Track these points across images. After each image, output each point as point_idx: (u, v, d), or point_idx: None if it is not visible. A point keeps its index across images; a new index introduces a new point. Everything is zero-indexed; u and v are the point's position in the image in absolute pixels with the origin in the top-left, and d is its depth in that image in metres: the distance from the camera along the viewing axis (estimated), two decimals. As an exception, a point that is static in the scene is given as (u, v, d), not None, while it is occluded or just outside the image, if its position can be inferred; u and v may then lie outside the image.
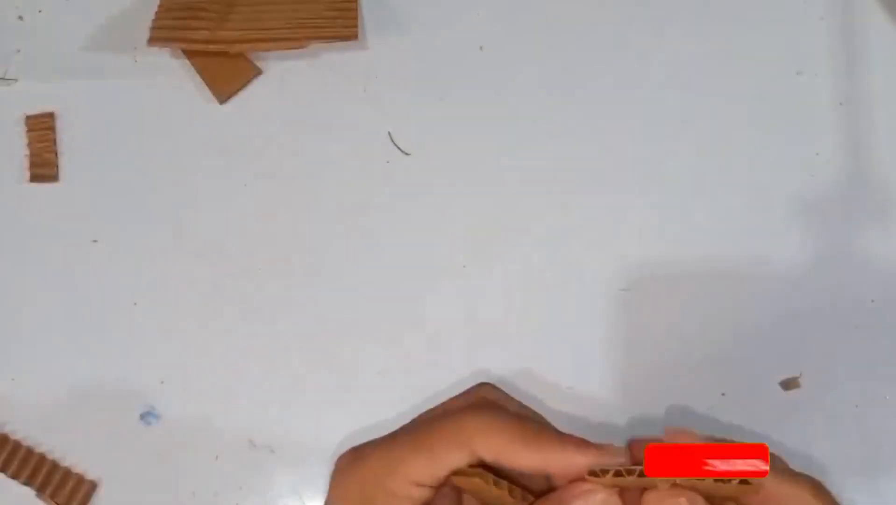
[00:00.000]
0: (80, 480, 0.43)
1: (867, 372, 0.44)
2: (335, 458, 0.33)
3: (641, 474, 0.28)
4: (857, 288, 0.45)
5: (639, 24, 0.48)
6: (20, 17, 0.48)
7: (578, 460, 0.29)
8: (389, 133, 0.46)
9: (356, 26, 0.46)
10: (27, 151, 0.46)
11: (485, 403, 0.32)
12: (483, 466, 0.30)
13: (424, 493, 0.29)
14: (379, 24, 0.48)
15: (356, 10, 0.46)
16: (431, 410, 0.33)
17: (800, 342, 0.44)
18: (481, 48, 0.47)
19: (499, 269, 0.45)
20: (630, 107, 0.47)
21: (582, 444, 0.29)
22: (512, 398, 0.35)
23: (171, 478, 0.43)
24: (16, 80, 0.47)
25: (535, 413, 0.35)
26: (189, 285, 0.45)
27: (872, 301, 0.45)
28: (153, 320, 0.45)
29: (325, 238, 0.45)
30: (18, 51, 0.47)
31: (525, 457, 0.29)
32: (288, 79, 0.47)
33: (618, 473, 0.28)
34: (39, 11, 0.48)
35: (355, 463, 0.30)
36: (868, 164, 0.46)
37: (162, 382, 0.44)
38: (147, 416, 0.44)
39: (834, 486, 0.36)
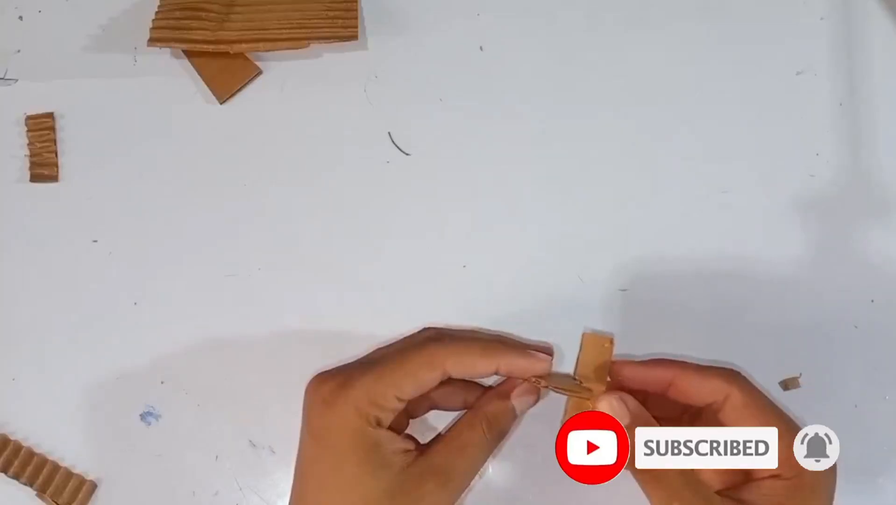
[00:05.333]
0: (81, 480, 0.43)
1: (867, 372, 0.44)
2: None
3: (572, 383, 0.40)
4: (857, 288, 0.45)
5: (639, 25, 0.48)
6: (20, 18, 0.48)
7: (518, 362, 0.39)
8: (389, 133, 0.46)
9: (356, 26, 0.46)
10: (27, 151, 0.46)
11: (442, 333, 0.41)
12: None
13: (403, 405, 0.37)
14: (379, 24, 0.48)
15: (356, 10, 0.46)
16: (386, 346, 0.41)
17: (800, 342, 0.44)
18: (481, 48, 0.47)
19: (499, 269, 0.45)
20: (630, 107, 0.47)
21: (520, 351, 0.39)
22: (454, 329, 0.43)
23: (171, 478, 0.43)
24: (16, 80, 0.47)
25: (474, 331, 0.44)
26: (189, 285, 0.45)
27: (872, 301, 0.45)
28: (153, 320, 0.45)
29: (325, 238, 0.45)
30: (18, 51, 0.47)
31: (482, 365, 0.38)
32: (288, 79, 0.47)
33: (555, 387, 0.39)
34: (39, 11, 0.48)
35: (343, 389, 0.37)
36: (868, 164, 0.46)
37: (162, 382, 0.44)
38: (147, 416, 0.44)
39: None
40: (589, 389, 0.40)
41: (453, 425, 0.39)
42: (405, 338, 0.42)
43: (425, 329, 0.42)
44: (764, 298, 0.45)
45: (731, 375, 0.38)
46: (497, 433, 0.39)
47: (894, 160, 0.46)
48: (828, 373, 0.44)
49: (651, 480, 0.36)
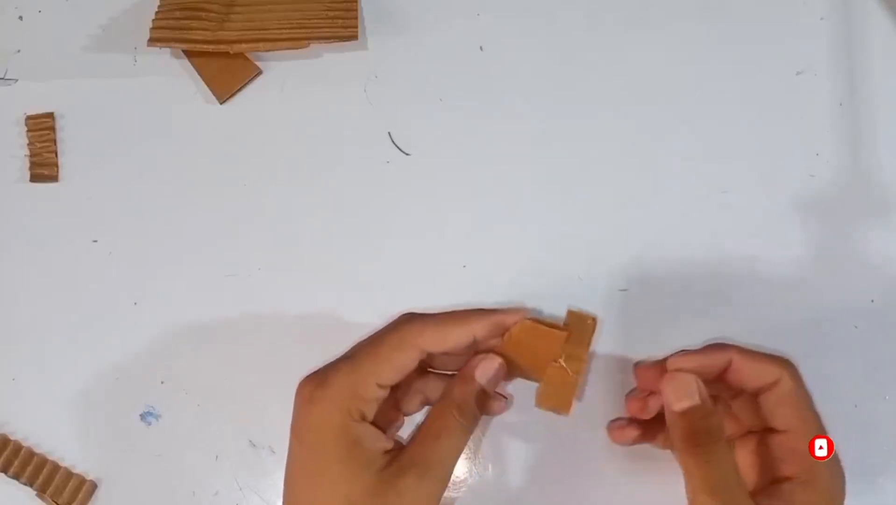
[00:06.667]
0: (81, 480, 0.43)
1: (867, 372, 0.44)
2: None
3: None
4: (857, 288, 0.45)
5: (639, 25, 0.48)
6: (20, 18, 0.48)
7: (491, 319, 0.38)
8: (389, 133, 0.46)
9: (356, 26, 0.46)
10: (27, 151, 0.46)
11: (414, 315, 0.40)
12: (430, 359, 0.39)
13: (385, 392, 0.37)
14: (379, 24, 0.48)
15: (356, 10, 0.46)
16: (365, 338, 0.39)
17: (800, 342, 0.44)
18: (481, 48, 0.47)
19: (499, 269, 0.45)
20: (630, 107, 0.47)
21: (492, 310, 0.39)
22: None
23: (171, 478, 0.43)
24: (16, 80, 0.47)
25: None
26: (189, 285, 0.45)
27: (872, 301, 0.45)
28: (153, 320, 0.45)
29: (325, 238, 0.45)
30: (18, 51, 0.47)
31: (457, 335, 0.37)
32: (288, 79, 0.47)
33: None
34: (39, 11, 0.48)
35: (323, 387, 0.36)
36: (868, 164, 0.46)
37: (162, 382, 0.44)
38: (147, 416, 0.44)
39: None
40: (566, 328, 0.39)
41: (426, 416, 0.39)
42: (382, 327, 0.41)
43: (403, 315, 0.41)
44: (764, 298, 0.45)
45: (785, 362, 0.38)
46: (471, 416, 0.38)
47: (894, 160, 0.46)
48: (828, 373, 0.44)
49: (703, 464, 0.36)
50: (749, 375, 0.38)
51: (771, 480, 0.37)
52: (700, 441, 0.36)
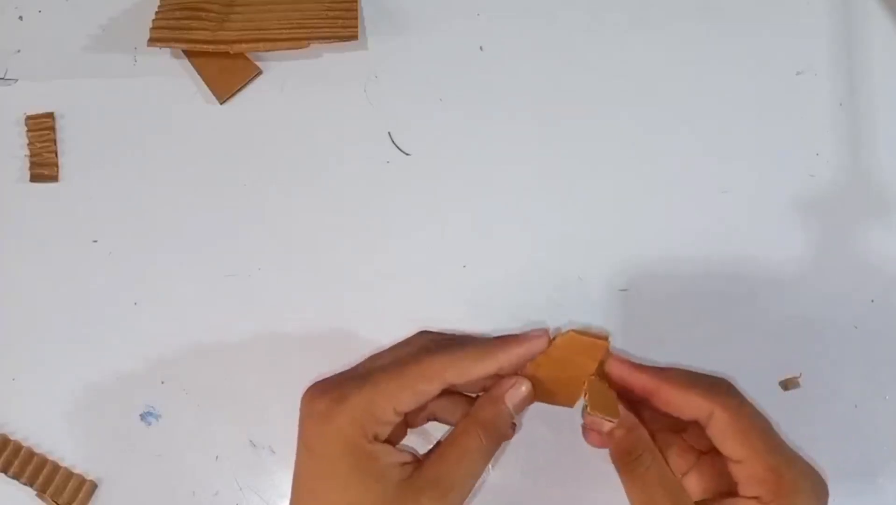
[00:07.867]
0: (81, 480, 0.43)
1: (867, 372, 0.44)
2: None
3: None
4: (857, 288, 0.45)
5: (639, 25, 0.48)
6: (20, 18, 0.48)
7: (517, 351, 0.38)
8: (389, 133, 0.46)
9: (356, 26, 0.46)
10: (27, 151, 0.46)
11: (436, 341, 0.40)
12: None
13: (401, 417, 0.37)
14: (379, 24, 0.48)
15: (356, 10, 0.46)
16: (380, 355, 0.40)
17: (800, 342, 0.44)
18: (481, 48, 0.47)
19: (499, 269, 0.45)
20: (630, 107, 0.47)
21: (515, 340, 0.38)
22: (447, 333, 0.42)
23: (171, 478, 0.43)
24: (16, 80, 0.47)
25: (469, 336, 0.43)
26: (189, 285, 0.45)
27: (872, 301, 0.45)
28: (153, 320, 0.45)
29: (324, 238, 0.45)
30: (18, 51, 0.47)
31: (482, 368, 0.37)
32: (288, 79, 0.47)
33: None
34: (39, 11, 0.48)
35: (339, 403, 0.36)
36: (868, 164, 0.46)
37: (162, 382, 0.44)
38: (147, 416, 0.44)
39: (834, 485, 0.36)
40: (604, 337, 0.38)
41: (449, 434, 0.38)
42: (399, 345, 0.41)
43: (420, 334, 0.41)
44: (764, 298, 0.45)
45: (717, 392, 0.37)
46: (495, 438, 0.38)
47: (894, 160, 0.46)
48: (828, 373, 0.44)
49: (633, 481, 0.36)
50: (678, 407, 0.37)
51: (734, 493, 0.36)
52: (626, 458, 0.37)
